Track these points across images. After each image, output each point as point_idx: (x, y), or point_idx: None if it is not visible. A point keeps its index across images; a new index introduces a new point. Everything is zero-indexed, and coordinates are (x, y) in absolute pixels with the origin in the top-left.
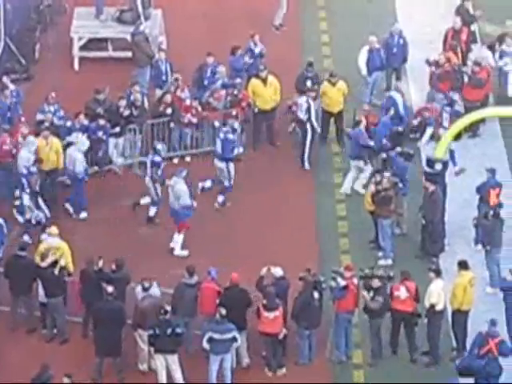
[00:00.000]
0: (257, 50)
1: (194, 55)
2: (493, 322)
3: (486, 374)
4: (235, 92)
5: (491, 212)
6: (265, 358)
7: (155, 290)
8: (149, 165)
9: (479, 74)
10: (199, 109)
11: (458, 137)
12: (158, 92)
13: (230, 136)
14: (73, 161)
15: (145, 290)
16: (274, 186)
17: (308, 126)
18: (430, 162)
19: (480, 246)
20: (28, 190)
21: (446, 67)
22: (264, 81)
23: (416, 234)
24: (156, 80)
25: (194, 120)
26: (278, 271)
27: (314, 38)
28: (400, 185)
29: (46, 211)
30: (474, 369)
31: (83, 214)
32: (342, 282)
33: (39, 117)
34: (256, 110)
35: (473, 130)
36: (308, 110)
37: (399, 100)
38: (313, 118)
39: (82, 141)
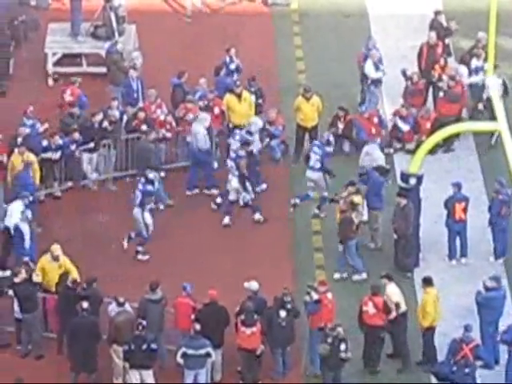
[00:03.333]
0: (232, 66)
1: (167, 71)
2: (467, 328)
3: (457, 382)
4: (206, 102)
5: None
6: (240, 373)
7: (127, 306)
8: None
9: (455, 88)
10: (173, 124)
11: (432, 151)
12: (130, 109)
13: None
14: (195, 135)
15: (120, 305)
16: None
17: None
18: (405, 177)
19: (454, 261)
20: (236, 173)
21: (419, 85)
22: (239, 96)
23: (391, 248)
24: (127, 98)
25: (169, 135)
26: (253, 285)
27: (288, 53)
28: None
29: (252, 194)
30: (446, 376)
31: (214, 191)
32: (315, 296)
33: (22, 130)
34: (230, 125)
35: (447, 144)
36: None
37: None
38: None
39: (203, 116)
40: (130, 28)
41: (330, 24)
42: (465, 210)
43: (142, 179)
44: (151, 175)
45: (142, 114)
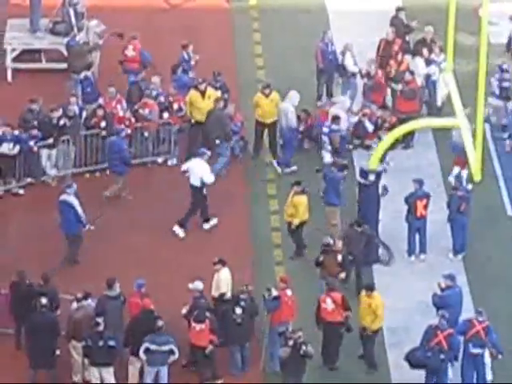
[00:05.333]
0: (192, 62)
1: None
2: (443, 316)
3: (431, 368)
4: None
5: None
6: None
7: (90, 303)
8: None
9: (411, 83)
10: (132, 120)
11: (391, 147)
12: (89, 106)
13: None
14: (285, 114)
15: (78, 300)
16: (208, 197)
17: None
18: (364, 173)
19: (413, 257)
20: (329, 148)
21: (378, 78)
22: (202, 93)
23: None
24: (88, 95)
25: (128, 131)
26: (198, 285)
27: (247, 49)
28: None
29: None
30: (419, 361)
31: (293, 167)
32: (274, 293)
33: None
34: (193, 121)
35: (406, 140)
36: None
37: None
38: None
39: (292, 94)
40: (88, 24)
41: (289, 20)
42: (426, 206)
43: None
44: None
45: (100, 112)
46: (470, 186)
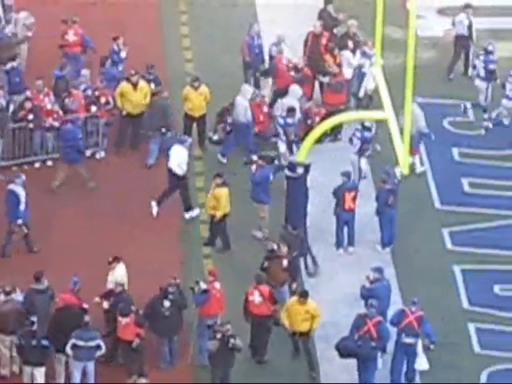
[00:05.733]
0: (123, 55)
1: (54, 61)
2: (372, 304)
3: (361, 356)
4: (91, 92)
5: None
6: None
7: (18, 296)
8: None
9: (339, 76)
10: (60, 113)
11: (319, 140)
12: (17, 98)
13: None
14: (236, 107)
15: (6, 294)
16: (136, 191)
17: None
18: (292, 166)
19: (341, 250)
20: (284, 139)
21: (306, 71)
22: (134, 85)
23: (277, 238)
24: (15, 86)
25: (56, 124)
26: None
27: (175, 42)
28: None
29: None
30: (349, 350)
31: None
32: (203, 286)
33: None
34: (124, 113)
35: (334, 133)
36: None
37: None
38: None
39: (246, 89)
40: (17, 16)
41: (218, 13)
42: (354, 199)
43: (359, 126)
44: (368, 123)
45: (28, 104)
46: (397, 180)
